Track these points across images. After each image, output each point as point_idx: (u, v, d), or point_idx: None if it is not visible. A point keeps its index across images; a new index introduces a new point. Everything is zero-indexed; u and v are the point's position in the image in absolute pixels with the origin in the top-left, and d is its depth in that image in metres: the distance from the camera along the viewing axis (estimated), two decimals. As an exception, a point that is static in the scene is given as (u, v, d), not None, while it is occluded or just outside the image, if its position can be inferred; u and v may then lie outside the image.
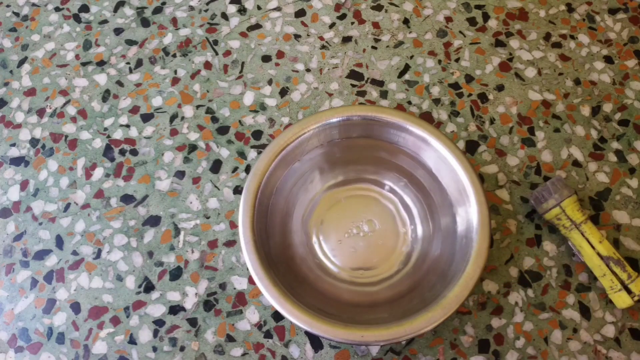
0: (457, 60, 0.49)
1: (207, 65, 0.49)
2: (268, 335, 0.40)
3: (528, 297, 0.41)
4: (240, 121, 0.47)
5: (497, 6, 0.52)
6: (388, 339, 0.33)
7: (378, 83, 0.48)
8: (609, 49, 0.49)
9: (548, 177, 0.44)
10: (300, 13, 0.52)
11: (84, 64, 0.50)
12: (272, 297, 0.34)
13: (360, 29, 0.51)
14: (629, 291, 0.38)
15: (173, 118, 0.47)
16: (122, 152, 0.46)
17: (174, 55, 0.50)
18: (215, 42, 0.50)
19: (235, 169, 0.45)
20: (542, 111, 0.47)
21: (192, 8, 0.52)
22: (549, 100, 0.47)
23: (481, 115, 0.47)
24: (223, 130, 0.46)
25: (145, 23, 0.51)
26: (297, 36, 0.50)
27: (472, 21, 0.51)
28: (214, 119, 0.47)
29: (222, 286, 0.41)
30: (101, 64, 0.50)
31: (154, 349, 0.40)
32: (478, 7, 0.52)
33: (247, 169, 0.45)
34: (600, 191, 0.44)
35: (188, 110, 0.47)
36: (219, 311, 0.40)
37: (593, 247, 0.39)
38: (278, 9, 0.52)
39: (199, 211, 0.44)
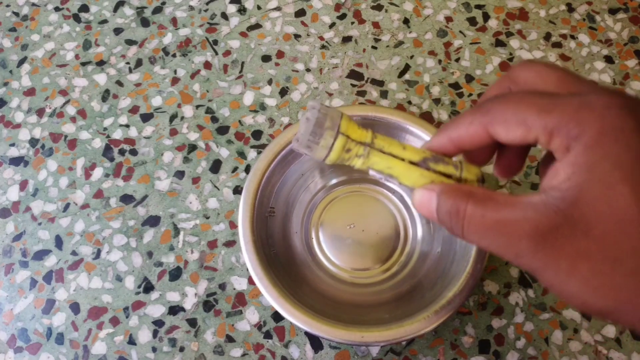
0: (457, 60, 0.49)
1: (207, 65, 0.49)
2: (268, 335, 0.40)
3: (529, 298, 0.40)
4: (240, 121, 0.47)
5: (497, 6, 0.52)
6: (388, 340, 0.32)
7: (378, 83, 0.48)
8: (609, 48, 0.49)
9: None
10: (300, 13, 0.51)
11: (83, 64, 0.49)
12: (272, 298, 0.34)
13: (360, 29, 0.51)
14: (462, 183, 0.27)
15: (173, 118, 0.47)
16: (122, 152, 0.46)
17: (174, 55, 0.50)
18: (215, 42, 0.50)
19: (235, 169, 0.45)
20: (542, 111, 0.47)
21: (192, 8, 0.52)
22: (550, 100, 0.47)
23: (481, 115, 0.47)
24: (223, 130, 0.46)
25: (145, 23, 0.51)
26: (297, 36, 0.50)
27: (472, 21, 0.51)
28: (214, 119, 0.47)
29: (222, 286, 0.41)
30: (101, 63, 0.49)
31: (154, 350, 0.39)
32: (478, 7, 0.52)
33: (247, 169, 0.45)
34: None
35: (188, 110, 0.47)
36: (219, 311, 0.40)
37: (403, 159, 0.26)
38: (278, 8, 0.52)
39: (198, 211, 0.43)
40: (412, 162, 0.25)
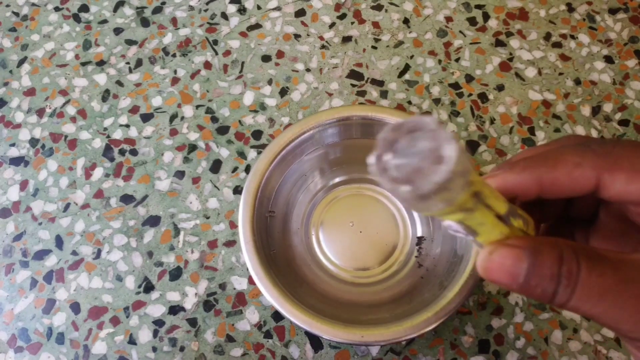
0: (457, 60, 0.49)
1: (207, 65, 0.49)
2: (268, 335, 0.40)
3: (528, 297, 0.41)
4: (240, 121, 0.47)
5: (497, 6, 0.52)
6: (388, 339, 0.33)
7: (378, 83, 0.48)
8: (609, 48, 0.49)
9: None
10: (300, 13, 0.51)
11: (83, 64, 0.49)
12: (272, 297, 0.34)
13: (360, 29, 0.51)
14: None
15: (173, 118, 0.47)
16: (122, 152, 0.46)
17: (174, 55, 0.50)
18: (215, 42, 0.50)
19: (235, 169, 0.45)
20: (542, 111, 0.47)
21: (192, 8, 0.52)
22: (549, 100, 0.47)
23: (481, 115, 0.47)
24: (223, 130, 0.46)
25: (145, 23, 0.51)
26: (297, 36, 0.50)
27: (472, 21, 0.51)
28: (214, 119, 0.47)
29: (222, 286, 0.41)
30: (101, 63, 0.49)
31: (154, 349, 0.40)
32: (478, 6, 0.52)
33: (247, 169, 0.45)
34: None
35: (188, 110, 0.47)
36: (219, 311, 0.40)
37: (493, 214, 0.19)
38: (278, 8, 0.52)
39: (198, 211, 0.43)
40: (499, 216, 0.19)
